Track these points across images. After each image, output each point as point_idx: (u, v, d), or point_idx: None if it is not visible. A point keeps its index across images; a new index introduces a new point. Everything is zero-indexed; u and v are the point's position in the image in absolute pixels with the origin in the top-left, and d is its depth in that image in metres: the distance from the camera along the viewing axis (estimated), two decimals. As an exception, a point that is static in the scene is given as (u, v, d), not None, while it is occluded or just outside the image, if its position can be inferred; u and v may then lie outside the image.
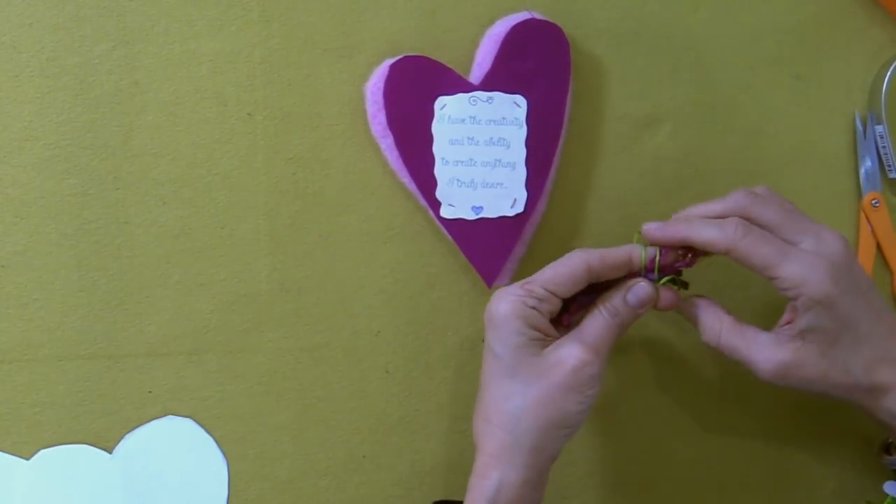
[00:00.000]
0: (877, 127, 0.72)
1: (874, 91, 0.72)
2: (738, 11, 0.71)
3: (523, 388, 0.59)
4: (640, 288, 0.61)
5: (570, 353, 0.59)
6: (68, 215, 0.67)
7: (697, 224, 0.60)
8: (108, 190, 0.67)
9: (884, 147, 0.72)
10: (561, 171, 0.70)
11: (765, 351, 0.60)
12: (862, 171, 0.72)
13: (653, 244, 0.62)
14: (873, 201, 0.72)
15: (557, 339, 0.61)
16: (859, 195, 0.73)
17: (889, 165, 0.72)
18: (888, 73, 0.71)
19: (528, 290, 0.60)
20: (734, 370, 0.72)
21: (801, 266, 0.58)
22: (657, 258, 0.62)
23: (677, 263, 0.63)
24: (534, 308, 0.60)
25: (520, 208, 0.68)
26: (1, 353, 0.68)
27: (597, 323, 0.61)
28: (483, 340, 0.69)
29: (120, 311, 0.68)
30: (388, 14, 0.68)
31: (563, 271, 0.61)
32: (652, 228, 0.61)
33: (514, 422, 0.59)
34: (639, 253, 0.62)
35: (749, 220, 0.60)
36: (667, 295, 0.62)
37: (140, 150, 0.67)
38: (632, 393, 0.72)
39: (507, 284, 0.69)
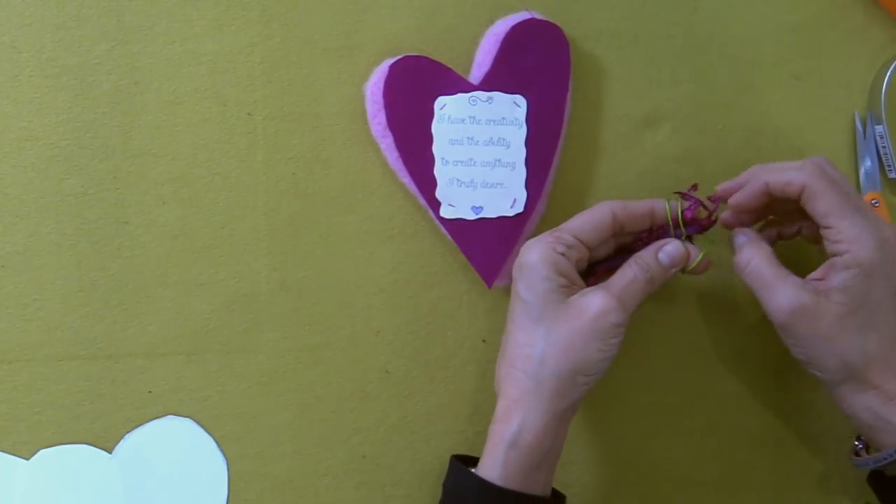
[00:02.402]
0: (876, 127, 0.72)
1: (874, 91, 0.72)
2: (738, 11, 0.71)
3: (547, 334, 0.60)
4: (673, 246, 0.63)
5: (595, 300, 0.60)
6: (68, 215, 0.67)
7: (775, 166, 0.62)
8: (108, 190, 0.67)
9: (883, 147, 0.72)
10: (561, 171, 0.70)
11: (788, 289, 0.60)
12: (862, 171, 0.72)
13: (724, 196, 0.64)
14: (873, 201, 0.72)
15: (584, 289, 0.62)
16: (859, 195, 0.73)
17: (889, 165, 0.72)
18: (888, 73, 0.71)
19: (557, 236, 0.61)
20: (734, 370, 0.72)
21: (859, 226, 0.59)
22: (680, 210, 0.64)
23: (701, 219, 0.64)
24: (562, 254, 0.61)
25: (519, 208, 0.68)
26: (1, 353, 0.68)
27: (625, 275, 0.62)
28: (483, 340, 0.70)
29: (120, 311, 0.68)
30: (388, 14, 0.68)
31: (590, 218, 0.62)
32: (727, 185, 0.64)
33: (536, 366, 0.60)
34: (662, 206, 0.64)
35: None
36: (702, 262, 0.64)
37: (140, 150, 0.67)
38: (632, 393, 0.72)
39: (507, 285, 0.70)
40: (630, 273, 0.62)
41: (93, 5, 0.66)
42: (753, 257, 0.61)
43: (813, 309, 0.59)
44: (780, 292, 0.60)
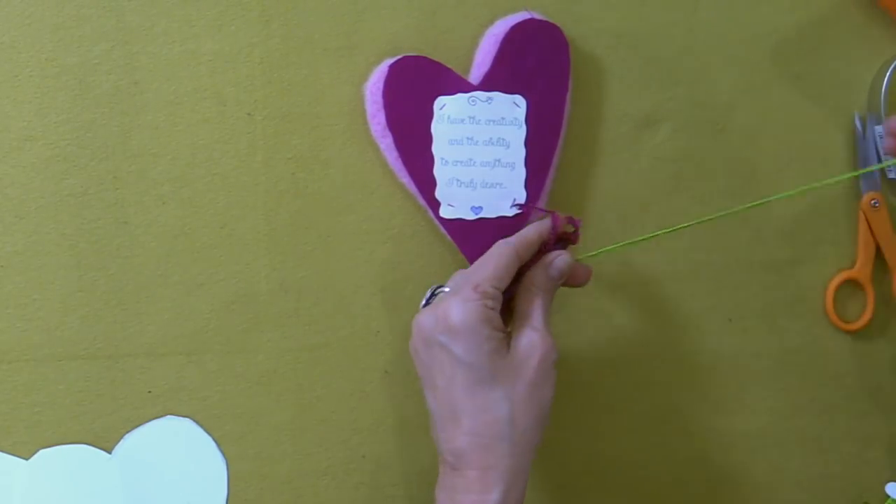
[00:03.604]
0: (876, 127, 0.72)
1: (874, 91, 0.72)
2: (738, 11, 0.71)
3: (506, 392, 0.58)
4: (561, 260, 0.63)
5: (535, 346, 0.59)
6: (68, 215, 0.67)
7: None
8: (108, 190, 0.67)
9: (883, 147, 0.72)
10: (560, 171, 0.70)
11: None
12: (862, 170, 0.73)
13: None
14: (873, 201, 0.72)
15: (509, 333, 0.61)
16: (859, 195, 0.73)
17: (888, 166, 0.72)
18: (888, 73, 0.71)
19: (483, 292, 0.59)
20: (734, 370, 0.72)
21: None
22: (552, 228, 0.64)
23: (570, 234, 0.65)
24: (493, 309, 0.59)
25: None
26: (1, 353, 0.68)
27: (537, 307, 0.61)
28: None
29: (120, 311, 0.68)
30: (388, 14, 0.68)
31: (501, 264, 0.61)
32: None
33: (507, 429, 0.58)
34: (547, 226, 0.64)
35: None
36: (584, 269, 0.65)
37: (139, 150, 0.67)
38: (631, 393, 0.72)
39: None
40: (539, 302, 0.61)
41: (93, 5, 0.66)
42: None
43: None
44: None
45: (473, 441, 0.58)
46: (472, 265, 0.62)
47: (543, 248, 0.64)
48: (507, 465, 0.58)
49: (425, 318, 0.60)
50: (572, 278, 0.64)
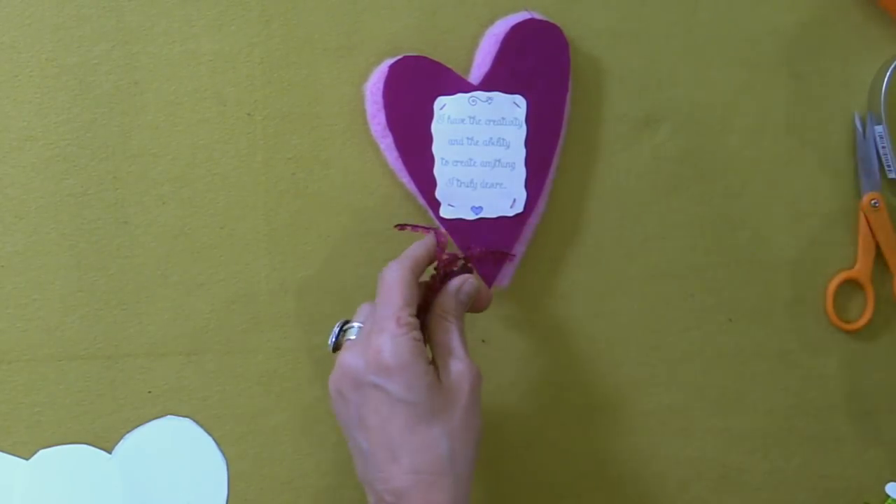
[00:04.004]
0: (876, 127, 0.72)
1: (874, 91, 0.72)
2: (738, 11, 0.71)
3: (444, 427, 0.57)
4: (469, 284, 0.63)
5: (461, 373, 0.59)
6: (68, 215, 0.67)
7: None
8: (108, 190, 0.67)
9: (883, 147, 0.72)
10: (560, 171, 0.70)
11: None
12: (861, 171, 0.72)
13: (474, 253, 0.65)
14: (873, 201, 0.72)
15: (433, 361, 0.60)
16: (859, 195, 0.73)
17: (888, 165, 0.72)
18: (888, 73, 0.71)
19: (407, 323, 0.58)
20: (734, 370, 0.72)
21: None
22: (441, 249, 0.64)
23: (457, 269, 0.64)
24: (420, 341, 0.59)
25: (519, 208, 0.68)
26: (1, 353, 0.68)
27: (454, 333, 0.61)
28: (483, 340, 0.69)
29: (119, 311, 0.68)
30: (388, 14, 0.68)
31: (405, 290, 0.59)
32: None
33: (448, 464, 0.57)
34: (432, 242, 0.63)
35: None
36: (487, 293, 0.65)
37: (139, 150, 0.67)
38: (631, 393, 0.72)
39: (507, 285, 0.70)
40: (453, 328, 0.61)
41: (93, 5, 0.66)
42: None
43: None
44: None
45: (416, 479, 0.57)
46: (379, 298, 0.60)
47: (443, 276, 0.63)
48: (449, 498, 0.57)
49: (352, 359, 0.59)
50: (476, 303, 0.64)
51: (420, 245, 0.63)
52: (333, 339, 0.62)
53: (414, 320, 0.59)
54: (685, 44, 0.71)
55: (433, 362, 0.60)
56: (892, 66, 0.71)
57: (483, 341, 0.71)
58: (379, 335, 0.58)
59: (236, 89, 0.68)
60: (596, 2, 0.70)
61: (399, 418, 0.57)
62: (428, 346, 0.60)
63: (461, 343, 0.60)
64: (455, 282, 0.62)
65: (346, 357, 0.59)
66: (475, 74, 0.68)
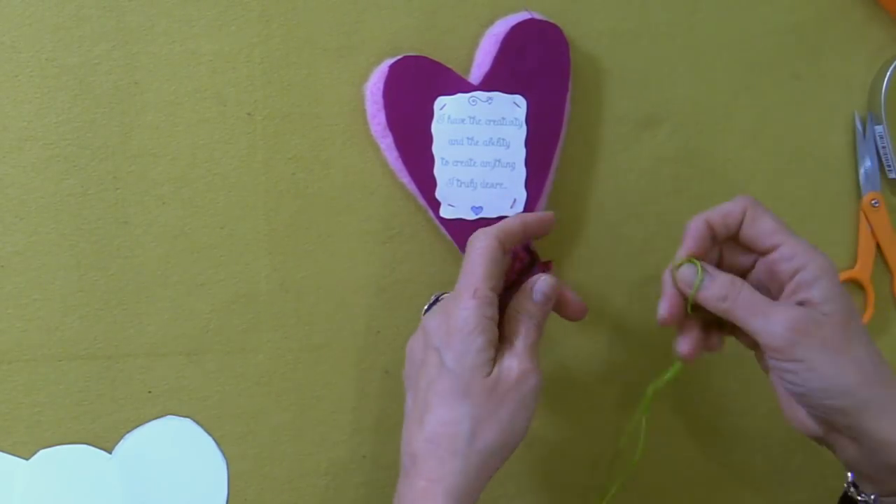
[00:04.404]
0: (876, 127, 0.72)
1: (874, 91, 0.72)
2: (738, 11, 0.71)
3: (474, 411, 0.57)
4: (543, 282, 0.61)
5: (512, 368, 0.58)
6: (68, 215, 0.67)
7: (710, 210, 0.60)
8: (108, 190, 0.67)
9: (883, 147, 0.72)
10: (561, 171, 0.70)
11: (782, 309, 0.56)
12: (861, 171, 0.73)
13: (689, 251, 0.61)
14: (873, 201, 0.72)
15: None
16: (859, 195, 0.73)
17: (888, 165, 0.72)
18: (888, 73, 0.71)
19: (481, 297, 0.58)
20: (734, 370, 0.72)
21: (805, 243, 0.58)
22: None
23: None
24: (491, 318, 0.59)
25: (520, 208, 0.68)
26: (1, 353, 0.67)
27: (522, 331, 0.60)
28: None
29: (120, 311, 0.68)
30: (388, 14, 0.68)
31: (488, 263, 0.59)
32: (683, 254, 0.60)
33: (464, 446, 0.57)
34: (535, 219, 0.63)
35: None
36: (577, 302, 0.64)
37: (139, 150, 0.67)
38: (631, 393, 0.72)
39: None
40: (524, 327, 0.60)
41: (93, 5, 0.66)
42: (738, 283, 0.58)
43: (813, 322, 0.56)
44: (777, 312, 0.56)
45: (429, 448, 0.57)
46: (463, 265, 0.60)
47: (519, 270, 0.63)
48: (455, 482, 0.56)
49: (431, 321, 0.60)
50: (563, 308, 0.63)
51: (515, 218, 0.62)
52: (426, 308, 0.64)
53: (491, 295, 0.59)
54: (685, 44, 0.71)
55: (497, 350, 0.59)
56: (892, 66, 0.71)
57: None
58: (456, 302, 0.59)
59: (236, 89, 0.68)
60: (596, 2, 0.70)
61: (440, 385, 0.58)
62: None
63: (524, 341, 0.59)
64: (531, 280, 0.62)
65: (427, 319, 0.61)
66: (475, 74, 0.68)
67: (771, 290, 0.59)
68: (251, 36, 0.68)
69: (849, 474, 0.61)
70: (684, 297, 0.60)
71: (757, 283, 0.60)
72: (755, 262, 0.60)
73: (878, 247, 0.73)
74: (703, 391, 0.73)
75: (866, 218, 0.72)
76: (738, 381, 0.73)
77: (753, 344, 0.60)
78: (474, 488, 0.57)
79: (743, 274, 0.61)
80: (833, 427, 0.58)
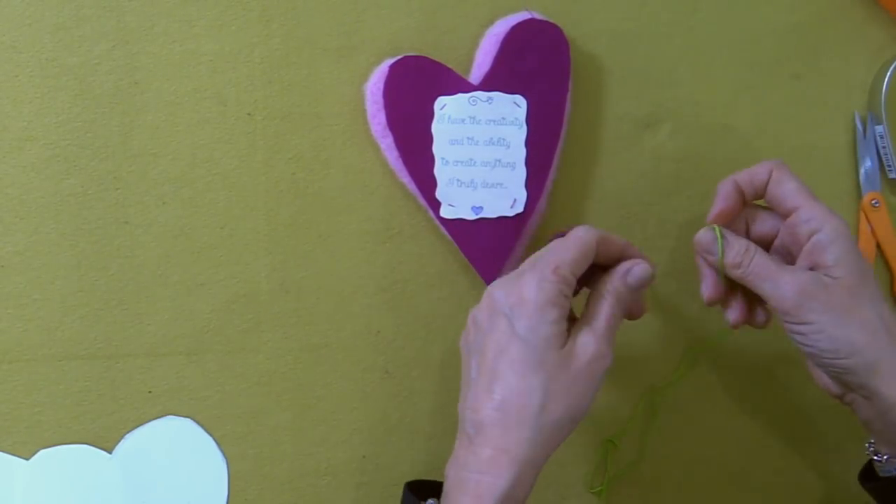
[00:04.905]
0: (876, 127, 0.72)
1: (874, 91, 0.72)
2: (738, 11, 0.71)
3: (546, 383, 0.57)
4: (639, 269, 0.61)
5: (588, 346, 0.58)
6: (68, 215, 0.67)
7: (739, 172, 0.62)
8: (108, 190, 0.67)
9: (883, 147, 0.72)
10: (561, 171, 0.70)
11: (791, 273, 0.58)
12: (862, 171, 0.73)
13: (719, 219, 0.62)
14: (873, 201, 0.72)
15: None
16: (859, 195, 0.73)
17: (889, 165, 0.72)
18: (888, 73, 0.71)
19: (562, 276, 0.58)
20: (734, 370, 0.72)
21: (824, 207, 0.60)
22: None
23: None
24: (566, 297, 0.59)
25: (520, 208, 0.68)
26: (1, 353, 0.67)
27: (606, 312, 0.60)
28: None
29: (120, 311, 0.68)
30: (388, 14, 0.68)
31: (582, 250, 0.59)
32: (713, 213, 0.62)
33: (535, 416, 0.57)
34: (636, 251, 0.62)
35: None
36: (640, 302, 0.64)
37: (140, 150, 0.67)
38: (630, 394, 0.72)
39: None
40: (609, 308, 0.60)
41: (93, 5, 0.66)
42: (751, 250, 0.60)
43: (821, 285, 0.58)
44: (785, 277, 0.58)
45: (497, 417, 0.57)
46: (552, 245, 0.60)
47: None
48: (522, 453, 0.57)
49: (497, 289, 0.59)
50: (629, 307, 0.63)
51: (622, 239, 0.62)
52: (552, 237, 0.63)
53: (571, 277, 0.59)
54: (685, 44, 0.71)
55: (570, 327, 0.59)
56: (893, 66, 0.71)
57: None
58: (531, 274, 0.58)
59: (236, 89, 0.68)
60: (596, 2, 0.70)
61: (511, 353, 0.57)
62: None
63: (605, 320, 0.59)
64: (627, 263, 0.61)
65: (493, 287, 0.60)
66: (475, 74, 0.68)
67: (793, 252, 0.61)
68: (251, 36, 0.68)
69: (869, 442, 0.63)
70: (714, 269, 0.62)
71: (781, 247, 0.62)
72: (779, 229, 0.62)
73: (878, 247, 0.73)
74: (704, 391, 0.73)
75: (866, 218, 0.72)
76: (739, 381, 0.73)
77: None
78: (540, 459, 0.57)
79: (769, 240, 0.63)
80: (848, 387, 0.60)
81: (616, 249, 0.61)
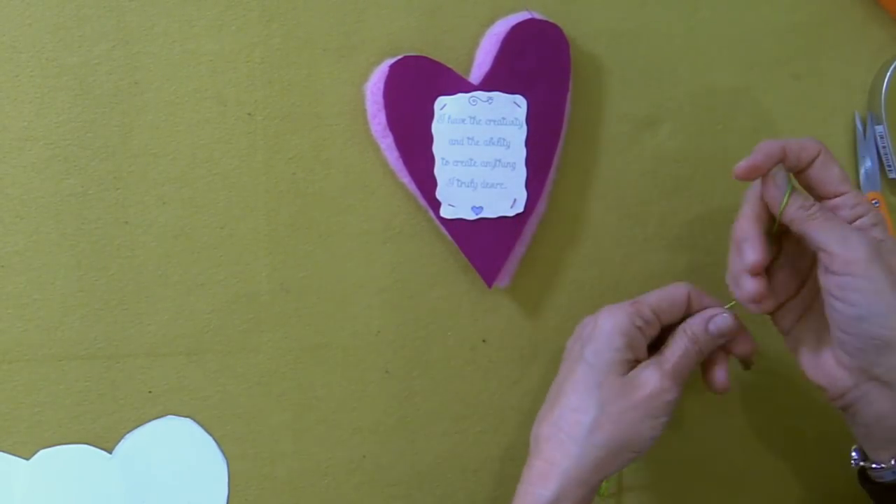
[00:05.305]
0: (877, 127, 0.72)
1: (874, 91, 0.72)
2: (738, 11, 0.71)
3: (601, 404, 0.59)
4: (723, 319, 0.62)
5: (651, 378, 0.60)
6: (68, 215, 0.67)
7: (788, 139, 0.61)
8: (108, 190, 0.67)
9: (884, 147, 0.72)
10: (561, 171, 0.70)
11: (855, 231, 0.57)
12: (862, 171, 0.73)
13: (750, 173, 0.60)
14: (873, 201, 0.72)
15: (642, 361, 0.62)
16: (859, 195, 0.73)
17: (889, 165, 0.72)
18: (888, 73, 0.71)
19: (638, 309, 0.61)
20: (734, 370, 0.72)
21: (863, 195, 0.61)
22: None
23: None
24: (639, 328, 0.61)
25: (520, 208, 0.68)
26: (1, 353, 0.67)
27: (678, 350, 0.61)
28: (483, 340, 0.69)
29: (120, 311, 0.68)
30: (388, 14, 0.68)
31: (668, 297, 0.62)
32: (748, 165, 0.60)
33: (585, 434, 0.59)
34: (728, 325, 0.62)
35: None
36: (749, 342, 0.64)
37: (140, 150, 0.67)
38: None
39: (507, 285, 0.70)
40: (682, 346, 0.61)
41: (93, 5, 0.66)
42: (816, 205, 0.59)
43: (886, 248, 0.57)
44: (853, 232, 0.57)
45: (552, 432, 0.60)
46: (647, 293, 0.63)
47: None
48: (570, 467, 0.59)
49: (588, 319, 0.63)
50: (734, 346, 0.64)
51: (712, 303, 0.63)
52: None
53: (648, 314, 0.61)
54: (685, 44, 0.71)
55: (641, 359, 0.61)
56: (893, 66, 0.71)
57: (483, 341, 0.71)
58: (612, 306, 0.62)
59: (236, 89, 0.68)
60: (596, 2, 0.70)
61: (575, 374, 0.61)
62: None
63: (675, 359, 0.61)
64: (711, 310, 0.63)
65: (587, 317, 0.63)
66: (475, 74, 0.68)
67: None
68: (251, 36, 0.68)
69: (853, 453, 0.62)
70: (766, 225, 0.60)
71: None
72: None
73: (878, 247, 0.73)
74: (704, 391, 0.73)
75: (866, 218, 0.72)
76: (739, 382, 0.73)
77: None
78: (589, 479, 0.59)
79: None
80: (869, 373, 0.58)
81: (706, 310, 0.63)
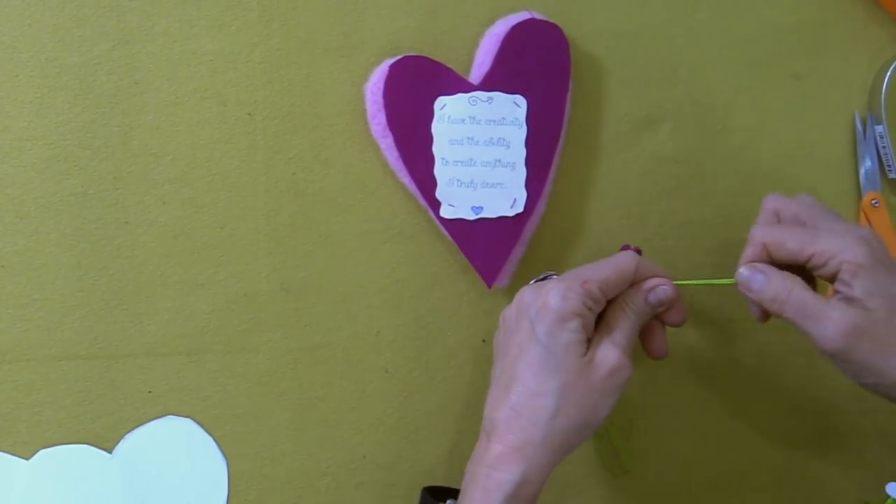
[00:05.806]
0: (877, 127, 0.72)
1: (874, 91, 0.72)
2: (738, 11, 0.71)
3: (562, 388, 0.59)
4: (662, 290, 0.62)
5: (608, 357, 0.59)
6: (68, 215, 0.67)
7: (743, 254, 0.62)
8: (108, 190, 0.67)
9: (883, 147, 0.72)
10: (561, 171, 0.70)
11: (835, 312, 0.57)
12: (862, 171, 0.73)
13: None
14: (873, 201, 0.72)
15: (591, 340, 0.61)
16: (859, 195, 0.73)
17: (889, 165, 0.72)
18: (888, 73, 0.71)
19: (588, 290, 0.60)
20: (734, 369, 0.72)
21: (834, 237, 0.58)
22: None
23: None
24: (590, 309, 0.60)
25: (520, 208, 0.68)
26: (1, 353, 0.67)
27: (627, 325, 0.61)
28: (483, 340, 0.69)
29: (120, 311, 0.68)
30: (388, 14, 0.68)
31: (616, 272, 0.61)
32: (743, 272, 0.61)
33: (548, 419, 0.58)
34: (672, 289, 0.62)
35: (779, 216, 0.62)
36: (682, 308, 0.64)
37: (140, 150, 0.67)
38: (630, 393, 0.72)
39: (506, 285, 0.70)
40: (629, 321, 0.61)
41: (93, 5, 0.66)
42: (793, 287, 0.59)
43: (865, 323, 0.57)
44: (829, 316, 0.57)
45: (511, 416, 0.59)
46: (593, 263, 0.62)
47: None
48: (532, 452, 0.58)
49: (527, 294, 0.61)
50: (668, 314, 0.64)
51: (661, 270, 0.63)
52: (533, 281, 0.64)
53: (598, 294, 0.60)
54: (685, 44, 0.71)
55: (591, 338, 0.60)
56: (893, 66, 0.71)
57: (483, 341, 0.71)
58: (560, 283, 0.60)
59: (236, 89, 0.68)
60: (596, 2, 0.70)
61: (530, 356, 0.59)
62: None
63: (625, 335, 0.61)
64: (652, 281, 0.62)
65: (524, 290, 0.62)
66: (475, 74, 0.68)
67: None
68: (251, 36, 0.68)
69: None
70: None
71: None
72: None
73: (878, 247, 0.73)
74: (703, 391, 0.73)
75: (866, 218, 0.72)
76: (739, 382, 0.73)
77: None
78: (549, 462, 0.59)
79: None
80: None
81: (652, 275, 0.63)
